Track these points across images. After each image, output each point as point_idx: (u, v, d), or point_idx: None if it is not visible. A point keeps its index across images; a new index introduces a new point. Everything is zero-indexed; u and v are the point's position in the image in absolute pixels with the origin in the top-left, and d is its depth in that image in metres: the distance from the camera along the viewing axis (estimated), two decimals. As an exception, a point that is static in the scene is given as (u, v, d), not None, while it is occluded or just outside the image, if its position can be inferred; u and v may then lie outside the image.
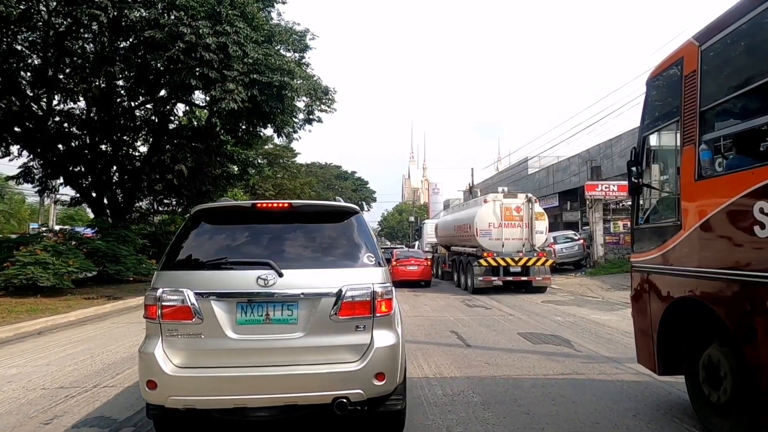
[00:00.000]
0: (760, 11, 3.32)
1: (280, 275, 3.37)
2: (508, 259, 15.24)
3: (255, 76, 12.92)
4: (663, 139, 4.75)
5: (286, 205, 3.84)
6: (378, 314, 3.44)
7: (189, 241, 3.73)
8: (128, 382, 5.72)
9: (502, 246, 15.57)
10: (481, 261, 15.27)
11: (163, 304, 3.32)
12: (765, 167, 3.19)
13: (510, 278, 15.31)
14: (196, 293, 3.32)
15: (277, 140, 33.12)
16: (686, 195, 4.02)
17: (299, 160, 46.14)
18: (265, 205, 3.85)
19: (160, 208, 23.04)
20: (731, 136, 3.93)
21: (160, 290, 3.35)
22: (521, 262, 15.24)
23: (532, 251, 15.51)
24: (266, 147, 36.87)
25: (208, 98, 14.73)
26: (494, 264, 15.21)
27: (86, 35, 14.14)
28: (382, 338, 3.43)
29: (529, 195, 16.34)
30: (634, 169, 4.78)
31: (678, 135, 4.18)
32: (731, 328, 3.44)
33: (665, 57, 4.69)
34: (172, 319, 3.32)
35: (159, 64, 12.00)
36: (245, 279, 3.38)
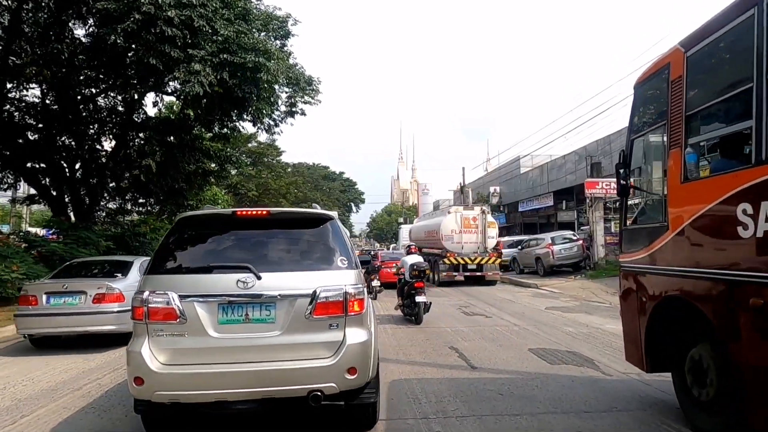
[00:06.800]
0: (745, 18, 3.33)
1: (259, 278, 3.59)
2: (467, 259, 19.18)
3: (225, 56, 11.36)
4: (650, 142, 4.82)
5: (264, 212, 4.07)
6: (350, 313, 3.64)
7: (174, 246, 3.98)
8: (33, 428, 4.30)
9: (462, 248, 19.44)
10: (446, 260, 19.12)
11: (149, 306, 3.52)
12: (747, 170, 3.29)
13: (468, 274, 19.12)
14: (180, 295, 3.52)
15: (261, 137, 31.55)
16: (673, 197, 4.15)
17: (285, 159, 44.67)
18: (245, 212, 4.09)
19: (134, 208, 21.34)
20: (716, 139, 4.03)
21: (146, 293, 3.55)
22: (476, 261, 19.19)
23: (485, 252, 19.48)
24: (249, 145, 35.23)
25: (178, 84, 13.26)
26: (455, 262, 19.10)
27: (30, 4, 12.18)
28: (354, 335, 3.65)
29: (483, 207, 21.22)
30: (622, 171, 4.86)
31: (665, 138, 4.32)
32: (716, 326, 3.54)
33: (652, 62, 4.86)
34: (158, 319, 3.51)
35: (117, 40, 10.39)
36: (226, 282, 3.59)
